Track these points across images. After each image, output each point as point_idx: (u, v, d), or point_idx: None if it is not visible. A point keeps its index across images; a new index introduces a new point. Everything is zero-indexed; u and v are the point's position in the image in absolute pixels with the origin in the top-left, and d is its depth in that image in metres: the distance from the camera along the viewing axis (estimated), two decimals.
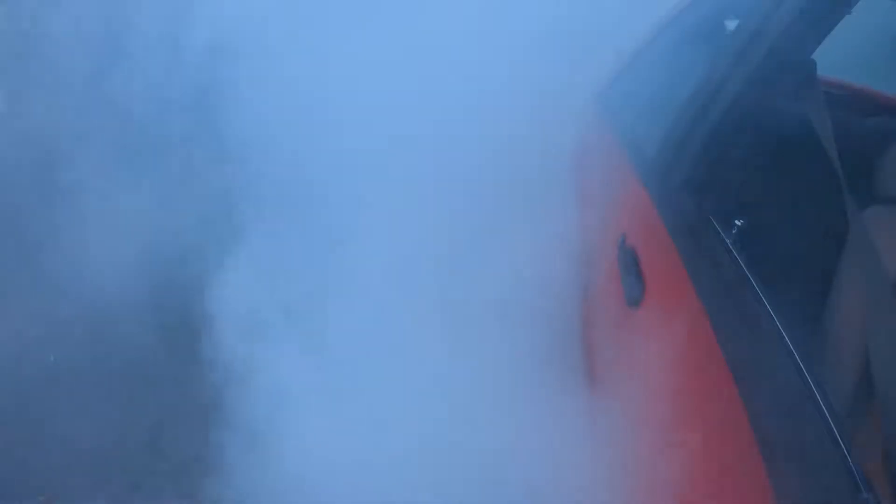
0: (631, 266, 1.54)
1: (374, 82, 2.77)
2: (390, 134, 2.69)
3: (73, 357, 3.27)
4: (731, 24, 1.67)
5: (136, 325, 3.54)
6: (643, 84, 1.84)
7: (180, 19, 3.97)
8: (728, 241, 1.34)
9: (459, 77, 2.52)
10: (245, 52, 3.51)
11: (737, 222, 1.35)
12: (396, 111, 2.64)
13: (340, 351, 2.45)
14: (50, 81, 4.67)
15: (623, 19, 2.39)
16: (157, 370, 3.18)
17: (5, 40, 4.69)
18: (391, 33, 2.79)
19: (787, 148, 1.50)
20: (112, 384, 3.06)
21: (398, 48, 2.74)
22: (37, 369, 3.17)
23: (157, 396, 2.99)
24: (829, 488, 0.88)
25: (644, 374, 1.35)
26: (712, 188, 1.47)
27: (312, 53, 3.00)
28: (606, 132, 2.03)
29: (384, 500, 2.01)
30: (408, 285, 2.42)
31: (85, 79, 4.50)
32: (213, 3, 3.71)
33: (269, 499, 2.41)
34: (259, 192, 3.37)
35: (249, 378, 3.02)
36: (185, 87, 4.05)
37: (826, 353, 1.30)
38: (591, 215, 1.73)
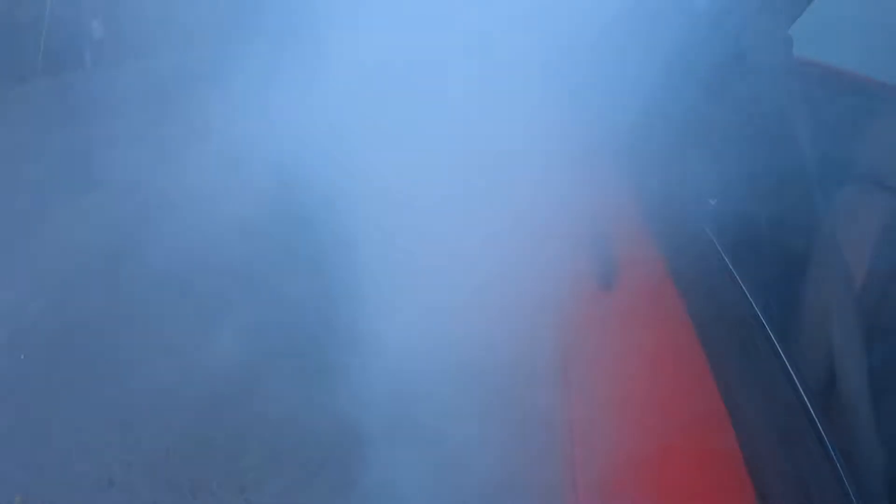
0: (602, 247, 1.51)
1: None
2: None
3: (43, 354, 3.24)
4: None
5: (106, 317, 3.54)
6: (614, 60, 1.81)
7: None
8: (701, 220, 1.32)
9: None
10: None
11: (710, 201, 1.33)
12: None
13: None
14: None
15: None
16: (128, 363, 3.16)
17: None
18: None
19: (761, 125, 1.48)
20: (82, 379, 3.04)
21: None
22: (7, 367, 3.13)
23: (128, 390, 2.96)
24: (807, 470, 0.87)
25: (616, 361, 1.32)
26: (685, 167, 1.45)
27: None
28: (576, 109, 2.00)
29: None
30: None
31: None
32: None
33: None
34: None
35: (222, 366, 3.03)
36: None
37: (801, 336, 1.29)
38: (560, 195, 1.70)
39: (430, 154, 2.74)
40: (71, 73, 9.95)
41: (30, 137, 7.06)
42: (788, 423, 0.91)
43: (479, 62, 2.59)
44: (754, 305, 1.10)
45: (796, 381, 0.95)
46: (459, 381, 2.68)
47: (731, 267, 1.20)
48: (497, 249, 1.92)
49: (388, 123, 2.92)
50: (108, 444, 2.64)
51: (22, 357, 3.20)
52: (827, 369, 1.15)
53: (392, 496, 2.31)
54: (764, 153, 1.50)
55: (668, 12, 1.67)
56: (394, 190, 2.98)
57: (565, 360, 1.70)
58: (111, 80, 8.07)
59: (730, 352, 1.06)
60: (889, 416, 0.98)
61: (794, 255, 1.38)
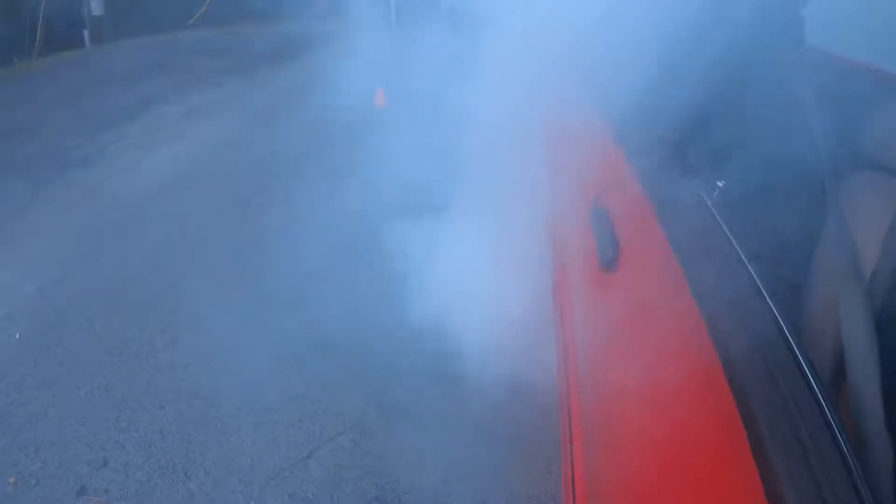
0: (605, 228, 1.49)
1: None
2: None
3: (39, 334, 3.23)
4: None
5: (102, 297, 3.53)
6: (619, 41, 1.78)
7: None
8: (708, 202, 1.29)
9: None
10: None
11: (718, 183, 1.31)
12: None
13: None
14: None
15: None
16: (123, 344, 3.15)
17: None
18: None
19: (770, 107, 1.45)
20: (77, 359, 3.03)
21: None
22: (2, 347, 3.12)
23: (122, 371, 2.95)
24: (815, 454, 0.85)
25: (619, 340, 1.30)
26: (691, 147, 1.43)
27: None
28: (581, 92, 1.97)
29: None
30: None
31: None
32: None
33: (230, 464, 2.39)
34: None
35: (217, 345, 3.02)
36: None
37: (806, 317, 1.26)
38: (563, 176, 1.68)
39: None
40: (69, 51, 9.91)
41: (27, 116, 7.04)
42: (796, 409, 0.89)
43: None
44: (763, 292, 1.08)
45: (805, 367, 0.92)
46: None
47: (740, 253, 1.17)
48: (503, 228, 1.91)
49: None
50: (102, 424, 2.63)
51: (17, 336, 3.19)
52: (836, 356, 1.13)
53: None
54: (774, 137, 1.48)
55: None
56: None
57: (567, 337, 1.69)
58: (109, 59, 8.05)
59: (735, 337, 1.04)
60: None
61: (803, 242, 1.36)
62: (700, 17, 1.46)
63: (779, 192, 1.41)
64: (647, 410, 1.17)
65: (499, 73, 2.65)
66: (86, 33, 11.56)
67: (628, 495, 1.12)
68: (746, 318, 1.05)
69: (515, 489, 2.32)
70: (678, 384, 1.11)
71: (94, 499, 2.30)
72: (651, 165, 1.48)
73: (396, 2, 11.57)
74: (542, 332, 2.19)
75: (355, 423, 2.63)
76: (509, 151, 2.18)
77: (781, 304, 1.05)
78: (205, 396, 2.78)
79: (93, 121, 6.84)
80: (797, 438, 0.86)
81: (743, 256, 1.16)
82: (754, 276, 1.11)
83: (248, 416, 2.67)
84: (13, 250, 4.09)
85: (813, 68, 1.29)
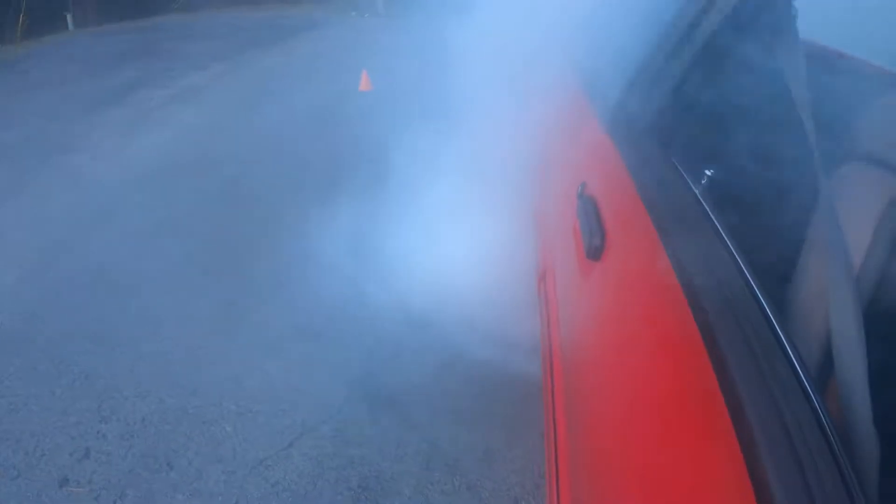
0: (591, 216, 1.47)
1: None
2: None
3: (19, 323, 3.20)
4: None
5: (81, 286, 3.50)
6: (608, 28, 1.76)
7: None
8: (697, 191, 1.28)
9: None
10: None
11: (707, 172, 1.29)
12: None
13: None
14: None
15: None
16: (103, 333, 3.12)
17: None
18: None
19: (760, 96, 1.43)
20: (58, 348, 2.99)
21: None
22: None
23: (104, 361, 2.92)
24: (803, 450, 0.84)
25: (604, 330, 1.29)
26: (680, 135, 1.41)
27: None
28: (568, 77, 1.95)
29: None
30: None
31: None
32: None
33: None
34: None
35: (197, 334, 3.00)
36: None
37: (795, 308, 1.26)
38: (548, 163, 1.65)
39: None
40: (53, 35, 9.79)
41: (8, 101, 6.96)
42: (783, 400, 0.88)
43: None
44: (750, 280, 1.06)
45: (793, 359, 0.91)
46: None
47: (728, 242, 1.16)
48: (489, 219, 1.90)
49: None
50: (84, 414, 2.60)
51: None
52: (824, 347, 1.12)
53: None
54: (764, 128, 1.46)
55: None
56: None
57: (552, 325, 1.67)
58: (94, 43, 7.98)
59: (724, 328, 1.02)
60: (887, 398, 0.96)
61: (792, 233, 1.34)
62: (691, 6, 1.44)
63: (768, 183, 1.40)
64: (632, 399, 1.16)
65: (484, 60, 2.64)
66: (69, 17, 11.44)
67: (612, 480, 1.11)
68: (734, 309, 1.04)
69: (500, 476, 2.31)
70: (663, 373, 1.10)
71: (77, 490, 2.28)
72: (639, 154, 1.46)
73: None
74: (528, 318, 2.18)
75: (338, 411, 2.61)
76: (494, 137, 2.16)
77: (770, 295, 1.04)
78: (187, 385, 2.75)
79: (76, 105, 6.77)
80: (784, 430, 0.85)
81: (731, 247, 1.14)
82: (742, 266, 1.10)
83: (231, 404, 2.65)
84: None
85: (805, 60, 1.27)
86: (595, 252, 1.40)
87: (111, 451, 2.42)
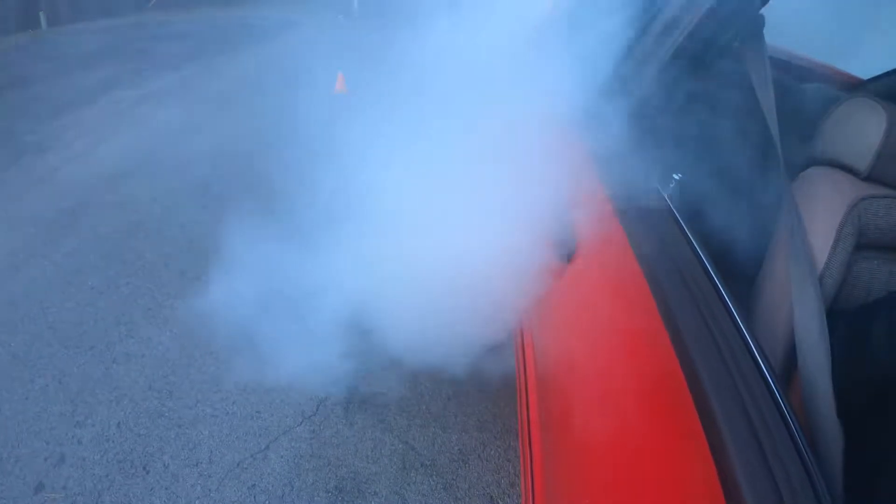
0: (562, 218, 1.50)
1: None
2: None
3: None
4: None
5: (56, 289, 3.46)
6: (582, 31, 1.78)
7: None
8: (665, 194, 1.31)
9: None
10: None
11: (675, 176, 1.32)
12: None
13: None
14: None
15: None
16: (77, 336, 3.09)
17: None
18: None
19: (727, 101, 1.47)
20: (32, 353, 2.96)
21: None
22: None
23: (77, 364, 2.90)
24: (768, 442, 0.86)
25: (575, 330, 1.31)
26: (649, 140, 1.43)
27: None
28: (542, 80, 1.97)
29: None
30: None
31: None
32: None
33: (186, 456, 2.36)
34: None
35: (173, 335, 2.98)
36: None
37: (760, 307, 1.29)
38: (523, 166, 1.68)
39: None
40: (24, 34, 9.65)
41: None
42: (748, 396, 0.90)
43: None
44: (716, 281, 1.09)
45: (759, 359, 0.94)
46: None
47: (693, 242, 1.19)
48: (463, 225, 1.91)
49: None
50: (58, 418, 2.58)
51: None
52: (787, 345, 1.15)
53: None
54: (731, 132, 1.50)
55: None
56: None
57: (525, 329, 1.69)
58: (65, 42, 7.85)
59: (691, 326, 1.05)
60: (848, 392, 0.98)
61: (757, 234, 1.38)
62: (659, 15, 1.46)
63: (734, 186, 1.43)
64: (603, 398, 1.18)
65: (458, 64, 2.64)
66: (42, 15, 11.30)
67: (586, 482, 1.13)
68: (700, 308, 1.07)
69: (475, 477, 2.33)
70: (632, 372, 1.13)
71: (52, 495, 2.26)
72: (609, 157, 1.49)
73: None
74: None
75: (313, 412, 2.62)
76: (465, 139, 2.17)
77: (735, 294, 1.07)
78: (161, 388, 2.74)
79: (47, 105, 6.69)
80: (749, 424, 0.88)
81: (697, 247, 1.17)
82: (708, 266, 1.12)
83: (206, 407, 2.64)
84: None
85: (770, 66, 1.30)
86: (566, 254, 1.42)
87: (86, 457, 2.40)
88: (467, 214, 1.85)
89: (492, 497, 2.27)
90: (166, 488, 2.28)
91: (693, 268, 1.15)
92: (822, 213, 1.27)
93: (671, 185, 1.31)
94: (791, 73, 2.25)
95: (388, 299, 2.50)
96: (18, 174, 4.98)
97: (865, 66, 2.21)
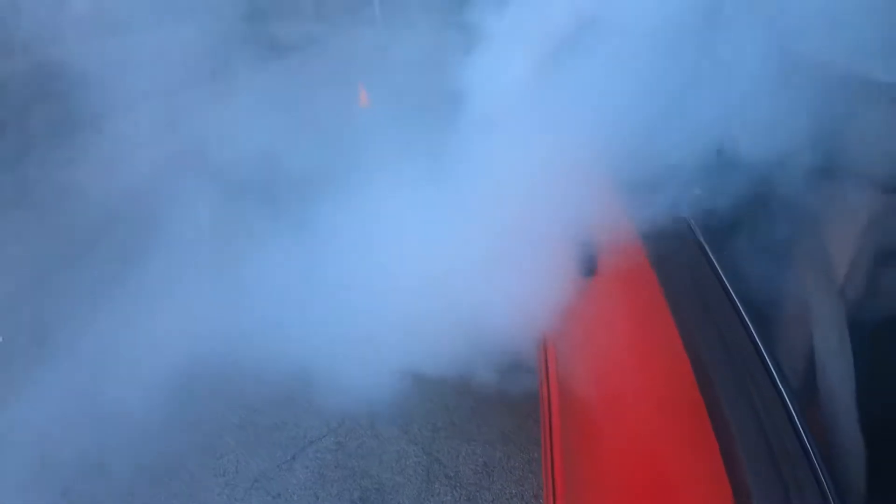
0: (584, 234, 1.51)
1: None
2: None
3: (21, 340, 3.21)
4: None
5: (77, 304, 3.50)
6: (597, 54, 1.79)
7: None
8: (684, 210, 1.31)
9: None
10: None
11: (695, 191, 1.33)
12: None
13: None
14: None
15: None
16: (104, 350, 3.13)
17: None
18: None
19: (746, 115, 1.47)
20: (58, 363, 3.01)
21: None
22: None
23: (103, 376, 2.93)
24: (785, 465, 0.87)
25: (596, 347, 1.32)
26: (670, 155, 1.44)
27: None
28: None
29: None
30: None
31: None
32: None
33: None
34: None
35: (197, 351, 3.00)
36: None
37: (783, 331, 1.28)
38: (545, 183, 1.69)
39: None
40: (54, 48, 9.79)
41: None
42: (767, 417, 0.90)
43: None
44: (735, 299, 1.09)
45: (776, 376, 0.94)
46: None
47: (713, 259, 1.19)
48: (482, 238, 1.92)
49: None
50: (84, 428, 2.61)
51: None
52: (808, 365, 1.15)
53: None
54: (750, 146, 1.49)
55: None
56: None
57: (546, 345, 1.70)
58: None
59: (709, 344, 1.05)
60: (869, 412, 0.98)
61: (777, 250, 1.37)
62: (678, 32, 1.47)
63: (754, 201, 1.43)
64: (624, 412, 1.19)
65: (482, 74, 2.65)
66: None
67: (607, 495, 1.14)
68: (719, 324, 1.07)
69: (498, 489, 2.34)
70: (651, 385, 1.13)
71: None
72: (629, 174, 1.50)
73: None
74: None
75: (339, 424, 2.64)
76: (490, 154, 2.19)
77: (754, 308, 1.07)
78: (187, 398, 2.77)
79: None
80: (767, 442, 0.88)
81: (716, 263, 1.17)
82: (725, 280, 1.13)
83: (232, 417, 2.67)
84: None
85: (792, 75, 1.30)
86: (588, 269, 1.43)
87: (111, 465, 2.44)
88: (494, 233, 1.87)
89: None
90: (191, 496, 2.34)
91: (710, 281, 1.15)
92: (843, 226, 1.26)
93: (691, 200, 1.32)
94: (814, 80, 2.22)
95: (418, 316, 2.52)
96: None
97: None
